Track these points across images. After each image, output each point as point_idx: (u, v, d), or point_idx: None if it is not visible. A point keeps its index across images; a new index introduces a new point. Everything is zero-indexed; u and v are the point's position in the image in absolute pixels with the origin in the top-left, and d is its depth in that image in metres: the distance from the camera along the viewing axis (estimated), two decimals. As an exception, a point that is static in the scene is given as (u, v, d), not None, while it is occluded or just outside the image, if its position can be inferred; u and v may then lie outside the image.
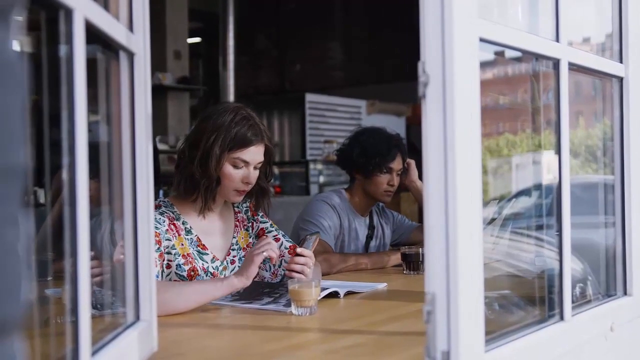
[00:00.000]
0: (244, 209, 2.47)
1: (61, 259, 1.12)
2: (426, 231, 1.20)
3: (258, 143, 2.25)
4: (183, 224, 2.26)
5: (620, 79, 1.84)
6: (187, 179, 2.24)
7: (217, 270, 2.29)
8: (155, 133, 1.56)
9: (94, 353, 1.10)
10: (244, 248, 2.40)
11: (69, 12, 1.01)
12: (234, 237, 2.39)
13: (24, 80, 0.58)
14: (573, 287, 1.63)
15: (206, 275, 2.25)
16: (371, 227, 3.20)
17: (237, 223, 2.42)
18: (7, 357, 0.56)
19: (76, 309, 1.02)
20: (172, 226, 2.20)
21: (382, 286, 2.39)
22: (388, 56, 9.59)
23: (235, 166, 2.23)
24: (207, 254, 2.28)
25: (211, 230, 2.33)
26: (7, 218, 0.56)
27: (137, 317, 1.40)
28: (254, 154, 2.25)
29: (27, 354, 0.62)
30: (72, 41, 1.02)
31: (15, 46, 0.58)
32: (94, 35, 1.13)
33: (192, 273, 2.21)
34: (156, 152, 3.35)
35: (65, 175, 1.03)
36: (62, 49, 1.03)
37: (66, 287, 1.24)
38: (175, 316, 1.93)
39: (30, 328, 1.00)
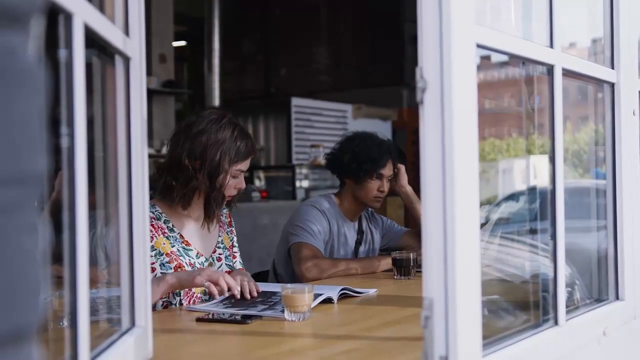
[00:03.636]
0: (224, 213, 2.56)
1: (52, 264, 1.11)
2: (424, 237, 1.20)
3: (254, 153, 2.40)
4: (165, 222, 2.32)
5: (612, 85, 1.86)
6: (192, 191, 2.31)
7: (203, 265, 2.36)
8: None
9: (91, 360, 1.09)
10: (228, 248, 2.50)
11: (68, 17, 1.00)
12: (219, 236, 2.48)
13: (43, 86, 0.58)
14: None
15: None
16: (360, 232, 3.20)
17: (221, 224, 2.52)
18: None
19: (75, 316, 1.01)
20: (150, 227, 2.22)
21: (372, 292, 2.39)
22: (374, 60, 9.61)
23: (234, 177, 2.35)
24: (192, 249, 2.34)
25: (195, 230, 2.40)
26: (26, 225, 0.55)
27: (133, 324, 1.38)
28: (249, 162, 2.39)
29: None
30: (71, 45, 1.01)
31: (34, 52, 0.57)
32: (90, 39, 1.12)
33: (179, 270, 2.27)
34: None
35: (64, 179, 1.02)
36: (61, 53, 1.02)
37: (57, 292, 1.23)
38: (170, 323, 1.93)
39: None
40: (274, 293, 2.23)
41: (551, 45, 1.55)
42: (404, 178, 3.19)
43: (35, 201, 0.58)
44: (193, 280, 2.05)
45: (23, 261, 0.55)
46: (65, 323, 1.09)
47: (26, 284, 0.55)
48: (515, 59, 1.64)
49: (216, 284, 2.08)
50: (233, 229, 2.57)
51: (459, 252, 1.18)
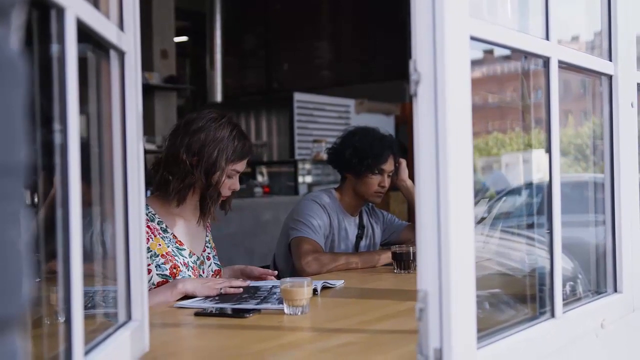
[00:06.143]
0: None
1: (50, 260, 1.11)
2: (418, 229, 1.20)
3: (251, 155, 2.43)
4: (158, 223, 2.35)
5: (610, 77, 1.85)
6: (187, 187, 2.33)
7: (196, 264, 2.40)
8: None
9: (86, 353, 1.10)
10: (213, 247, 2.54)
11: (60, 11, 1.00)
12: (207, 236, 2.52)
13: (24, 79, 0.58)
14: (563, 286, 1.64)
15: (187, 270, 2.34)
16: (361, 227, 3.21)
17: (208, 225, 2.54)
18: (10, 353, 0.56)
19: (69, 310, 1.02)
20: (146, 229, 2.25)
21: (339, 283, 2.42)
22: (376, 55, 9.61)
23: (229, 176, 2.37)
24: (185, 249, 2.37)
25: (186, 229, 2.42)
26: (9, 216, 0.56)
27: (129, 317, 1.39)
28: (245, 164, 2.42)
29: (27, 351, 0.62)
30: (63, 40, 1.01)
31: (15, 45, 0.57)
32: (84, 34, 1.12)
33: (175, 270, 2.30)
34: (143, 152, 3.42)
35: (57, 176, 1.02)
36: (54, 48, 1.02)
37: (55, 288, 1.23)
38: (167, 317, 1.93)
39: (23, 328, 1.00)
40: (258, 288, 2.26)
41: (547, 38, 1.55)
42: (404, 172, 3.19)
43: (19, 192, 0.58)
44: (210, 291, 2.15)
45: (6, 251, 0.55)
46: (62, 318, 1.10)
47: (9, 274, 0.56)
48: (516, 53, 1.63)
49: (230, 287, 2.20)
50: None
51: (453, 244, 1.18)
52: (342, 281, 2.45)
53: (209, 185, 2.32)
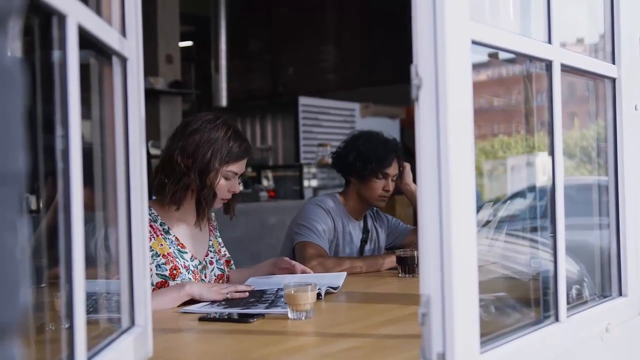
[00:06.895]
0: (212, 217, 2.60)
1: (54, 266, 1.12)
2: (420, 233, 1.20)
3: (248, 156, 2.41)
4: (161, 225, 2.35)
5: (613, 80, 1.85)
6: (183, 189, 2.32)
7: (197, 268, 2.39)
8: (147, 138, 1.60)
9: (89, 358, 1.10)
10: (217, 251, 2.53)
11: (62, 18, 1.01)
12: (210, 240, 2.52)
13: (22, 87, 0.58)
14: (569, 289, 1.64)
15: (188, 273, 2.34)
16: (365, 231, 3.20)
17: (211, 228, 2.55)
18: None
19: (71, 315, 1.02)
20: (148, 228, 2.26)
21: (342, 276, 2.45)
22: (381, 59, 9.59)
23: (226, 178, 2.36)
24: (186, 252, 2.38)
25: (189, 233, 2.43)
26: (6, 223, 0.56)
27: (132, 323, 1.39)
28: (243, 165, 2.40)
29: (27, 357, 0.63)
30: (65, 47, 1.01)
31: (13, 52, 0.58)
32: (86, 40, 1.13)
33: (175, 272, 2.31)
34: (148, 157, 3.42)
35: (59, 181, 1.02)
36: (55, 54, 1.03)
37: (59, 293, 1.24)
38: (171, 322, 1.93)
39: (25, 334, 1.00)
40: (264, 292, 2.25)
41: (549, 41, 1.55)
42: (409, 176, 3.19)
43: (17, 200, 0.58)
44: (216, 296, 2.14)
45: (3, 259, 0.56)
46: (67, 324, 1.10)
47: (6, 281, 0.56)
48: (518, 56, 1.63)
49: (236, 292, 2.21)
50: (217, 232, 2.61)
51: (455, 249, 1.18)
52: (344, 273, 2.48)
53: (204, 186, 2.32)
